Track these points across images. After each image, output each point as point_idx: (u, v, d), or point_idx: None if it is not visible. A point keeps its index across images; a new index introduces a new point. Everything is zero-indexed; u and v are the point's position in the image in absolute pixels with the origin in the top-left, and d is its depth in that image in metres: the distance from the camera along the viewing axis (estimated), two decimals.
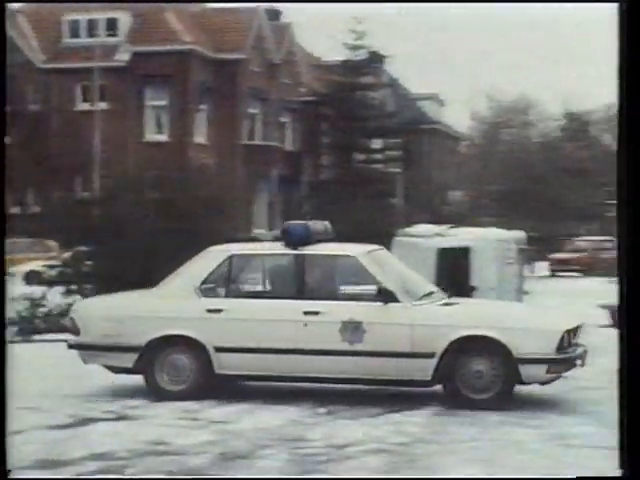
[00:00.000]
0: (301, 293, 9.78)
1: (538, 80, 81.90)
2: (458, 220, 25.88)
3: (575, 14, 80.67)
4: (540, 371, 9.17)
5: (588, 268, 39.76)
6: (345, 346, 9.37)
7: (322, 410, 9.00)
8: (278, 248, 10.18)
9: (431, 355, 9.21)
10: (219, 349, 9.55)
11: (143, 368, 9.70)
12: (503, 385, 9.19)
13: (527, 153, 58.92)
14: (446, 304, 9.78)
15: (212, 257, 10.17)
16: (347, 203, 34.66)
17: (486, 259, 14.69)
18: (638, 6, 4.67)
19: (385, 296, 9.43)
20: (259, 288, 10.56)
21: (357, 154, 40.41)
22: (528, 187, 50.52)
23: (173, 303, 9.81)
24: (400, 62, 61.40)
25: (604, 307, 17.96)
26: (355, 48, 39.04)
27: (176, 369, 9.65)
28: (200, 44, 36.90)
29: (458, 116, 74.52)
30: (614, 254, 30.94)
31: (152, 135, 37.09)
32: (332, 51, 40.75)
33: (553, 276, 40.03)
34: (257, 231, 36.85)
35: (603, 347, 14.49)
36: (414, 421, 8.54)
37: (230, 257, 10.06)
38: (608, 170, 63.43)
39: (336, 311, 9.51)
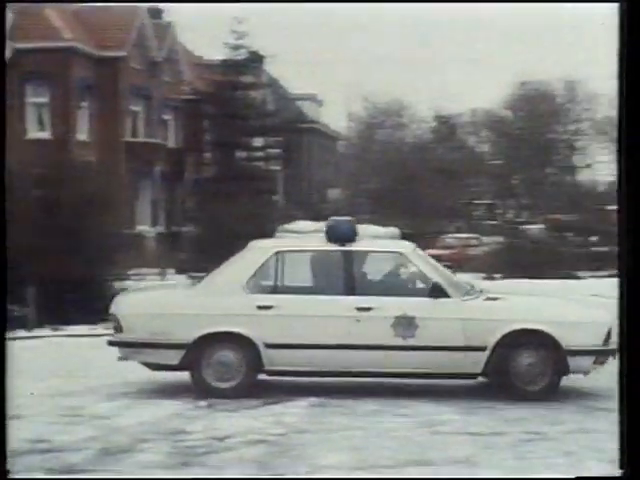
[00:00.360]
0: (351, 289, 9.63)
1: (410, 82, 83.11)
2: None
3: (450, 17, 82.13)
4: (588, 362, 9.35)
5: (457, 264, 40.65)
6: (398, 341, 9.32)
7: (203, 403, 8.94)
8: (323, 244, 10.03)
9: (483, 348, 9.28)
10: (269, 345, 9.36)
11: (190, 365, 9.40)
12: (552, 376, 9.35)
13: (400, 153, 59.74)
14: (489, 299, 9.82)
15: (258, 253, 10.01)
16: (229, 200, 34.48)
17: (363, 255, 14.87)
18: (638, 6, 4.56)
19: (437, 292, 9.46)
20: (305, 284, 10.18)
21: (239, 152, 40.30)
22: (402, 186, 51.21)
23: (222, 300, 9.54)
24: (280, 62, 61.47)
25: None
26: (236, 48, 38.90)
27: (225, 366, 9.39)
28: (81, 41, 36.18)
29: (336, 116, 75.08)
30: (479, 251, 31.91)
31: (35, 133, 36.19)
32: (214, 50, 40.60)
33: None
34: (140, 227, 36.39)
35: None
36: (292, 412, 8.58)
37: (277, 253, 9.95)
38: (474, 171, 65.08)
39: (389, 307, 9.43)
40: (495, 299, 9.86)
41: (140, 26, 38.00)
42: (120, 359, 9.77)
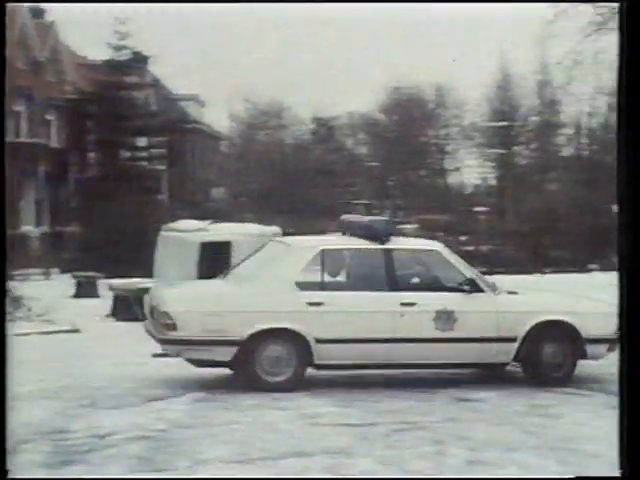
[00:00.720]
0: (395, 285, 9.94)
1: (290, 84, 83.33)
2: (220, 216, 25.95)
3: (330, 19, 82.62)
4: (603, 349, 10.02)
5: None
6: (438, 334, 9.75)
7: (86, 402, 8.81)
8: (363, 243, 10.24)
9: (514, 339, 9.86)
10: (320, 340, 9.54)
11: (242, 361, 9.50)
12: (572, 363, 10.08)
13: (281, 154, 59.88)
14: (511, 293, 10.41)
15: (304, 251, 10.21)
16: (114, 199, 33.90)
17: (245, 252, 14.85)
18: (638, 6, 4.39)
19: (472, 287, 9.96)
20: (348, 281, 10.49)
21: (123, 151, 39.70)
22: (283, 185, 51.40)
23: (274, 297, 9.70)
24: (163, 63, 60.68)
25: None
26: (119, 48, 38.31)
27: (276, 361, 9.51)
28: None
29: (218, 116, 74.66)
30: None
31: None
32: (97, 50, 39.85)
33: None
34: (25, 228, 35.49)
35: None
36: (175, 408, 8.52)
37: (322, 251, 10.12)
38: (352, 172, 65.75)
39: (430, 302, 9.83)
40: (516, 293, 10.48)
41: (21, 25, 37.00)
42: (161, 355, 9.91)
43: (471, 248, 38.88)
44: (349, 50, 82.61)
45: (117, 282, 18.42)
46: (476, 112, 65.86)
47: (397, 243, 10.37)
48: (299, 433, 7.50)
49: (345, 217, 11.37)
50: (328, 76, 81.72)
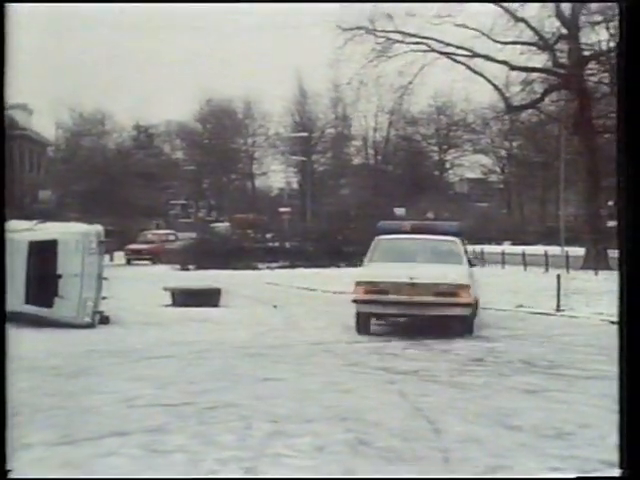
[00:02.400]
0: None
1: (112, 93, 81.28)
2: (47, 216, 25.02)
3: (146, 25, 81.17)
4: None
5: (157, 257, 40.49)
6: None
7: None
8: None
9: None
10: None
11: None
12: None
13: (105, 159, 58.42)
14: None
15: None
16: None
17: (71, 250, 14.45)
18: (638, 6, 4.02)
19: (471, 263, 14.55)
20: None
21: None
22: (106, 188, 50.15)
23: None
24: None
25: (166, 289, 18.47)
26: None
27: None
28: None
29: (45, 124, 71.84)
30: (176, 245, 31.92)
31: None
32: None
33: (129, 264, 40.13)
34: None
35: (162, 322, 14.92)
36: None
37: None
38: (170, 175, 65.04)
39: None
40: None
41: None
42: None
43: (276, 244, 39.32)
44: (164, 60, 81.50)
45: None
46: (280, 123, 66.73)
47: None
48: (119, 414, 7.38)
49: (382, 223, 15.48)
50: (146, 86, 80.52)
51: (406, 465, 5.74)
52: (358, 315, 13.42)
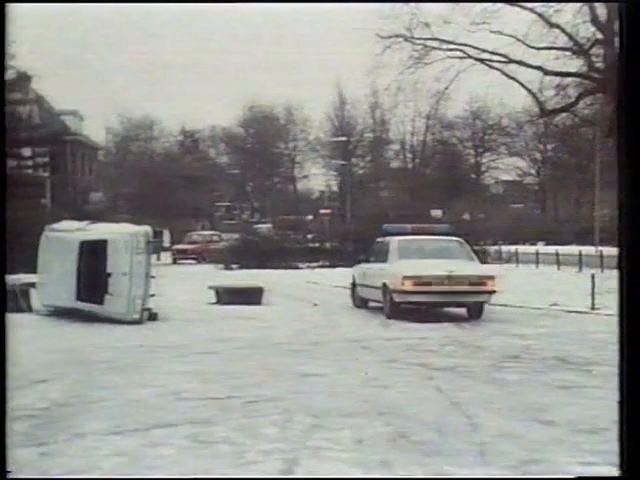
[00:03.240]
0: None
1: (160, 99, 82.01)
2: (98, 217, 25.33)
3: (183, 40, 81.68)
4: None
5: (201, 256, 40.76)
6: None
7: None
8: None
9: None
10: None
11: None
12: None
13: (153, 163, 58.98)
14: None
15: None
16: (2, 204, 32.67)
17: (120, 249, 14.59)
18: (638, 6, 3.88)
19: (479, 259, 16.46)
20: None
21: (9, 160, 38.28)
22: (154, 190, 50.57)
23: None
24: (46, 80, 58.61)
25: (211, 288, 18.57)
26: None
27: None
28: None
29: (96, 129, 72.83)
30: (220, 245, 32.19)
31: None
32: None
33: (175, 263, 40.46)
34: None
35: (208, 319, 15.03)
36: (56, 388, 8.29)
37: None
38: (215, 179, 65.42)
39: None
40: None
41: None
42: None
43: (317, 245, 39.34)
44: (208, 67, 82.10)
45: None
46: (320, 128, 66.82)
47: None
48: (166, 407, 7.45)
49: (387, 226, 17.99)
50: (190, 93, 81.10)
51: (442, 457, 5.71)
52: (394, 304, 15.09)
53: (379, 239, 17.34)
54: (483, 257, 36.90)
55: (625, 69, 3.89)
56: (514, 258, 36.03)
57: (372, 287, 16.33)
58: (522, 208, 63.23)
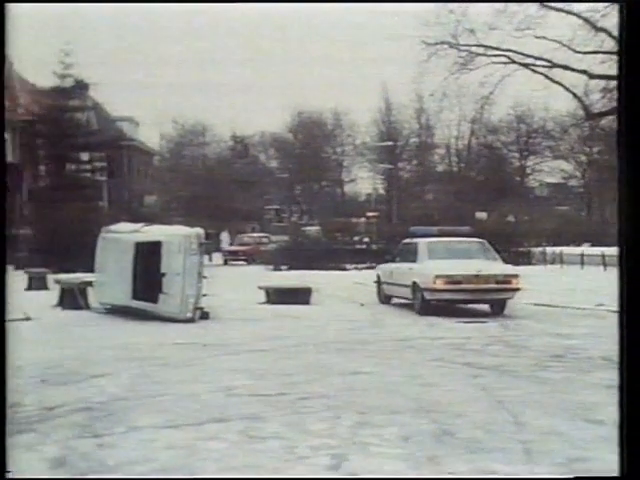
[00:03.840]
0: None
1: (210, 106, 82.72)
2: (152, 219, 25.62)
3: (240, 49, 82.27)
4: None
5: (252, 258, 40.92)
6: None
7: (36, 379, 8.60)
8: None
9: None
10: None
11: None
12: None
13: (205, 167, 59.47)
14: None
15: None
16: (61, 206, 33.32)
17: (174, 250, 14.72)
18: (638, 6, 3.78)
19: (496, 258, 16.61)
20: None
21: (69, 165, 38.91)
22: (207, 194, 50.96)
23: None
24: (102, 88, 59.56)
25: (261, 288, 18.63)
26: (63, 76, 37.63)
27: None
28: None
29: (150, 135, 73.72)
30: (270, 247, 32.22)
31: None
32: (45, 78, 38.99)
33: (226, 264, 40.71)
34: None
35: (258, 318, 15.07)
36: (113, 383, 8.40)
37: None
38: (265, 183, 65.73)
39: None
40: None
41: None
42: None
43: (363, 246, 39.23)
44: (258, 76, 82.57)
45: (63, 277, 18.05)
46: (367, 133, 66.75)
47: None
48: (219, 402, 7.49)
49: (414, 228, 19.02)
50: (241, 99, 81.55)
51: (487, 454, 5.65)
52: (424, 301, 15.73)
53: (406, 240, 18.11)
54: (527, 258, 36.54)
55: (625, 69, 3.77)
56: (559, 259, 35.51)
57: (400, 285, 17.02)
58: (567, 210, 62.31)
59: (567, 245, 40.96)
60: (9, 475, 3.85)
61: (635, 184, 3.77)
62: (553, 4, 29.15)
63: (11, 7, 3.58)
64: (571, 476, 5.07)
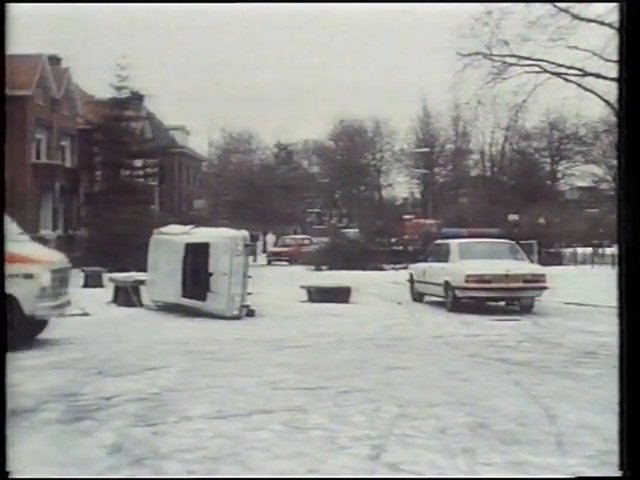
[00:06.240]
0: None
1: (256, 115, 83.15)
2: (201, 222, 25.81)
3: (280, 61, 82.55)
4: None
5: (294, 258, 41.02)
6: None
7: (94, 371, 8.72)
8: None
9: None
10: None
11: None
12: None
13: (251, 173, 59.72)
14: None
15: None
16: (115, 209, 33.81)
17: (220, 251, 14.82)
18: (638, 6, 3.63)
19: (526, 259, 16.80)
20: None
21: (123, 170, 39.41)
22: (252, 198, 51.16)
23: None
24: (156, 99, 60.23)
25: (303, 287, 18.67)
26: (119, 88, 38.16)
27: None
28: None
29: (200, 142, 74.46)
30: (311, 248, 32.28)
31: None
32: (102, 90, 39.55)
33: (269, 264, 40.85)
34: (43, 231, 34.96)
35: (300, 316, 15.08)
36: (165, 376, 8.46)
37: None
38: (307, 187, 65.85)
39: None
40: None
41: (42, 70, 36.46)
42: None
43: (400, 248, 39.07)
44: (298, 88, 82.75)
45: (118, 275, 18.25)
46: (404, 140, 66.55)
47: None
48: (265, 395, 7.51)
49: (445, 230, 19.17)
50: (284, 109, 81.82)
51: (521, 446, 5.59)
52: (456, 299, 15.82)
53: (437, 241, 18.26)
54: (558, 259, 36.04)
55: (625, 69, 3.63)
56: (590, 259, 34.97)
57: (432, 284, 17.06)
58: (597, 212, 61.36)
59: (598, 247, 40.35)
60: (9, 476, 3.72)
61: (635, 184, 3.63)
62: (585, 16, 28.71)
63: (11, 7, 3.59)
64: (572, 476, 4.90)
